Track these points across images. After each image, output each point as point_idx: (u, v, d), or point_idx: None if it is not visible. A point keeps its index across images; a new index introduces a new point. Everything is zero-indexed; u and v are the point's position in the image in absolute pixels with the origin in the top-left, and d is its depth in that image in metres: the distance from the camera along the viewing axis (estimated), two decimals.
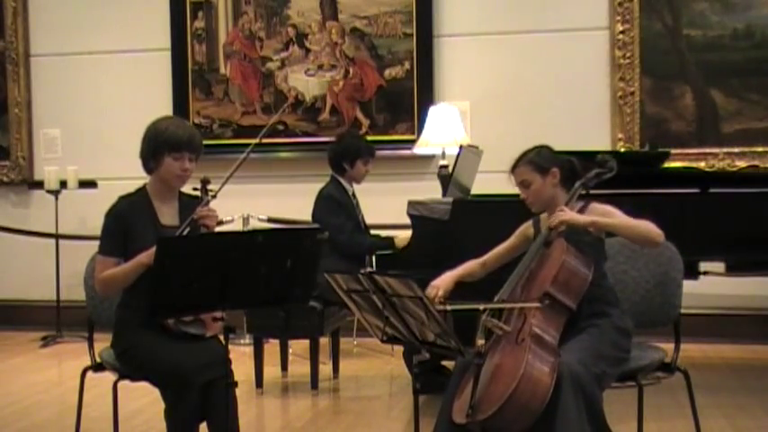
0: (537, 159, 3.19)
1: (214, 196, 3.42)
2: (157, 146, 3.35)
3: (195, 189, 3.42)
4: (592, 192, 3.21)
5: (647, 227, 2.99)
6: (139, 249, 3.27)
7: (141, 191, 3.46)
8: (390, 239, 5.01)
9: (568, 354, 2.86)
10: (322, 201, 5.11)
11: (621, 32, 6.16)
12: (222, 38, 6.75)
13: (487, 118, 6.33)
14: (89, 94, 6.97)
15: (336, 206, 5.06)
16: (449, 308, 3.00)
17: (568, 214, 3.04)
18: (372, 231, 5.32)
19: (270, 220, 6.41)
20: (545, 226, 3.17)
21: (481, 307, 2.93)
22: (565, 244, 3.01)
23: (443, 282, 3.24)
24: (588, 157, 3.24)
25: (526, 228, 3.31)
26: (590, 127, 6.15)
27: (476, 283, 3.31)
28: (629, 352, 3.08)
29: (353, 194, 5.23)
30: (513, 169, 3.22)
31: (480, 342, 2.88)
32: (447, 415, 2.91)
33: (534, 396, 2.73)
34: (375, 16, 6.51)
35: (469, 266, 3.34)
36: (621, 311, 3.12)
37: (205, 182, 3.42)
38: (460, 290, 3.22)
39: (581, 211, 3.13)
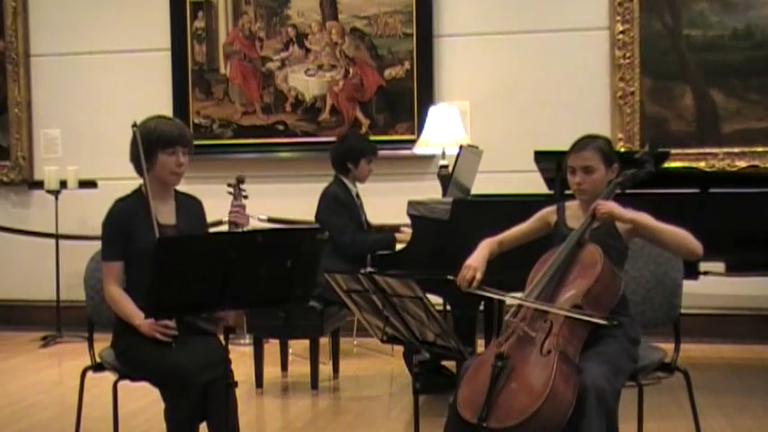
0: (607, 149, 3.11)
1: (246, 197, 3.47)
2: (149, 145, 3.36)
3: (230, 185, 3.46)
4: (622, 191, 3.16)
5: (687, 237, 2.94)
6: (140, 249, 3.29)
7: (137, 192, 3.48)
8: (392, 234, 5.00)
9: (592, 367, 2.79)
10: (326, 201, 5.11)
11: (621, 32, 6.16)
12: (222, 38, 6.75)
13: (487, 118, 6.33)
14: (89, 94, 6.97)
15: (340, 207, 5.06)
16: (483, 293, 2.95)
17: (612, 204, 2.96)
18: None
19: (270, 220, 6.41)
20: (572, 216, 3.13)
21: (496, 295, 2.86)
22: (600, 252, 2.93)
23: (479, 263, 3.10)
24: (623, 158, 3.18)
25: (548, 213, 3.22)
26: (590, 127, 6.00)
27: (496, 278, 3.16)
28: (638, 361, 3.07)
29: (357, 194, 5.22)
30: (580, 151, 3.09)
31: (483, 342, 2.85)
32: (457, 415, 2.84)
33: (555, 415, 2.69)
34: (375, 16, 6.51)
35: (489, 245, 3.21)
36: (632, 319, 3.10)
37: (240, 180, 3.49)
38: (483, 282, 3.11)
39: None
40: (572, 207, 3.17)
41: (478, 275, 3.07)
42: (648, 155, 3.18)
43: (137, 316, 3.25)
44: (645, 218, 2.98)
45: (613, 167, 3.11)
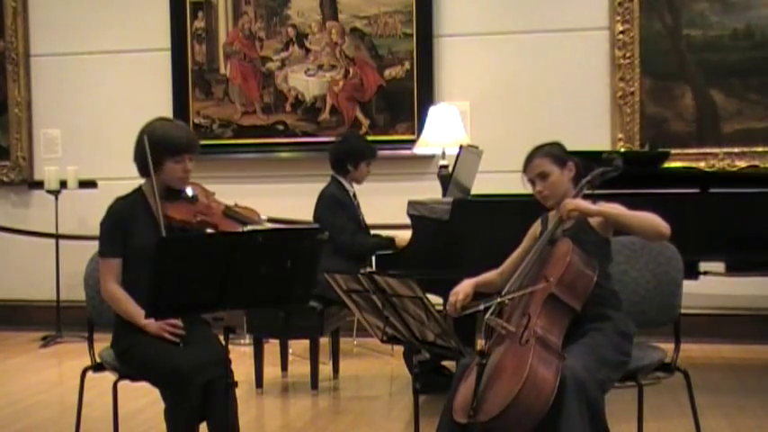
0: (555, 151, 3.16)
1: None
2: (158, 152, 3.35)
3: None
4: (591, 191, 3.19)
5: (655, 219, 2.97)
6: (138, 248, 3.29)
7: (138, 191, 3.48)
8: (391, 240, 5.02)
9: (573, 358, 2.83)
10: (324, 201, 5.11)
11: (621, 32, 6.16)
12: (222, 38, 6.75)
13: (487, 118, 6.33)
14: (89, 94, 6.97)
15: (338, 207, 5.07)
16: (469, 311, 2.99)
17: (578, 201, 3.01)
18: (372, 231, 5.32)
19: (270, 220, 6.41)
20: (552, 222, 3.15)
21: (483, 305, 2.90)
22: (571, 244, 2.98)
23: (463, 288, 3.19)
24: (592, 157, 3.22)
25: (535, 228, 3.27)
26: (590, 127, 6.15)
27: None
28: (631, 355, 3.07)
29: (354, 195, 5.23)
30: (530, 162, 3.16)
31: (481, 342, 2.86)
32: (450, 414, 2.89)
33: (538, 399, 2.71)
34: (375, 16, 6.51)
35: (488, 276, 3.28)
36: (624, 314, 3.11)
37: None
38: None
39: None
40: (553, 215, 3.20)
41: (461, 296, 3.14)
42: (616, 153, 3.21)
43: (141, 315, 3.24)
44: (612, 208, 3.02)
45: (569, 166, 3.14)
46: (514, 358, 2.80)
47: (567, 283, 2.93)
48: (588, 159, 3.20)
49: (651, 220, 2.98)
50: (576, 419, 2.73)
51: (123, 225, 3.38)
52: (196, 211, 3.43)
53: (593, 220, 3.08)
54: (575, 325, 2.96)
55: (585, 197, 3.13)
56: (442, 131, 5.82)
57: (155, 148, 3.35)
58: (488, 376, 2.79)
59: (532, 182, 3.17)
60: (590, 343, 2.93)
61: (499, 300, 2.93)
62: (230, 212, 3.48)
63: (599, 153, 3.26)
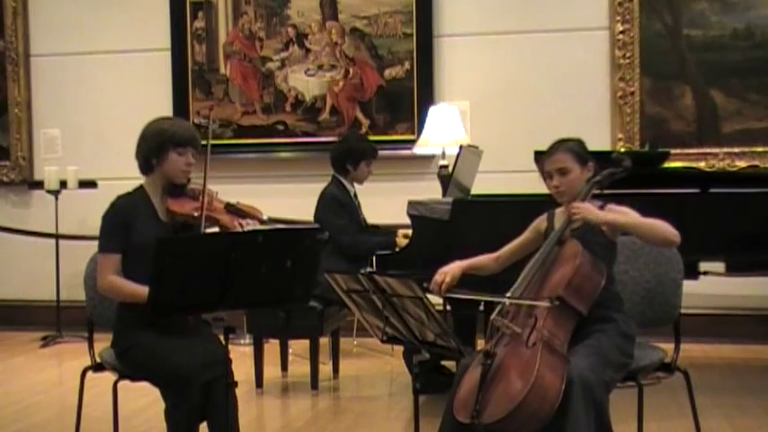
0: (578, 149, 3.13)
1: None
2: (162, 142, 3.39)
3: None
4: (600, 191, 3.18)
5: (664, 226, 2.96)
6: (139, 245, 3.29)
7: (139, 190, 3.49)
8: (392, 234, 5.01)
9: (578, 360, 2.82)
10: (324, 201, 5.11)
11: (621, 32, 6.16)
12: (222, 38, 6.76)
13: (487, 118, 6.33)
14: (89, 94, 6.97)
15: (339, 207, 5.07)
16: (453, 295, 2.98)
17: (587, 207, 2.99)
18: None
19: (270, 220, 6.39)
20: (559, 221, 3.14)
21: (484, 300, 2.89)
22: (579, 246, 2.96)
23: (451, 269, 3.17)
24: (600, 157, 3.21)
25: (540, 222, 3.25)
26: (590, 127, 6.13)
27: (483, 279, 3.24)
28: (633, 356, 3.07)
29: (355, 195, 5.23)
30: (552, 155, 3.12)
31: (484, 342, 2.86)
32: (452, 414, 2.87)
33: (544, 403, 2.70)
34: (375, 16, 6.51)
35: (482, 260, 3.27)
36: (626, 316, 3.11)
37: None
38: (469, 284, 3.17)
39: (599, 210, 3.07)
40: (560, 212, 3.19)
41: (448, 279, 3.13)
42: (624, 154, 3.20)
43: (146, 291, 3.18)
44: (620, 217, 3.00)
45: (588, 166, 3.13)
46: (521, 361, 2.79)
47: (575, 287, 2.91)
48: (596, 160, 3.19)
49: (660, 228, 2.96)
50: (582, 420, 2.72)
51: (125, 221, 3.38)
52: (198, 206, 3.45)
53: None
54: (579, 326, 2.96)
55: (594, 197, 3.12)
56: (441, 131, 5.82)
57: (159, 137, 3.39)
58: (493, 377, 2.78)
59: (550, 175, 3.13)
60: (594, 344, 2.92)
61: (503, 300, 2.92)
62: (231, 208, 3.52)
63: (607, 153, 3.25)
